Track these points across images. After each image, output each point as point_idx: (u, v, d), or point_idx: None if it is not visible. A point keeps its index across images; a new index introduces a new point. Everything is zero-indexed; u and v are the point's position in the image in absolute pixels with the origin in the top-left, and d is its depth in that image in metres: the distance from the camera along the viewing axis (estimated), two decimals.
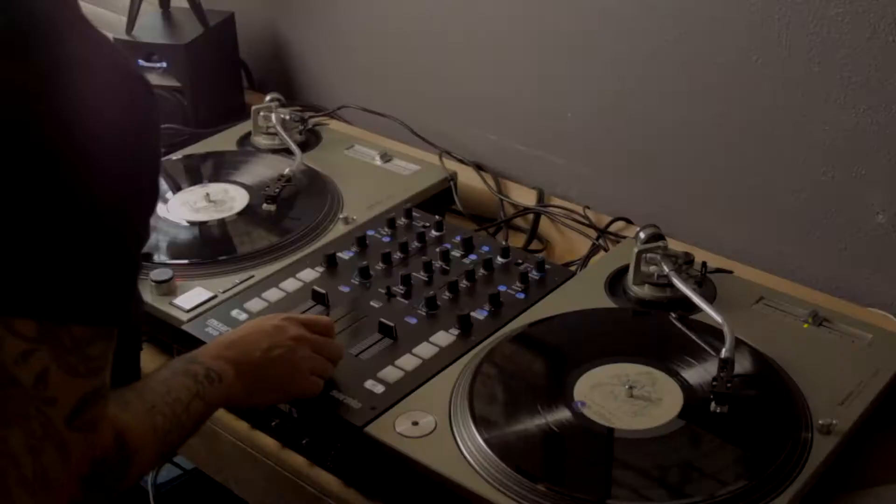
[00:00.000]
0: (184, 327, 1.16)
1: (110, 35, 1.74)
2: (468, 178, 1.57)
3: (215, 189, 1.43)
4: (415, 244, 1.29)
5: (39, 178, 0.72)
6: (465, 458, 0.96)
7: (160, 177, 0.84)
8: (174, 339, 1.18)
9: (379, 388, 1.05)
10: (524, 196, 1.55)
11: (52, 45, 0.74)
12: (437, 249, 1.27)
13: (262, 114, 1.57)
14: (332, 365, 1.05)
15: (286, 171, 1.43)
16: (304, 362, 1.01)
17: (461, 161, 1.62)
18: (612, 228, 1.45)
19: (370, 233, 1.32)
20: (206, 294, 1.21)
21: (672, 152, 1.43)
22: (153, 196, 0.82)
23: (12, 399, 0.72)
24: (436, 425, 1.00)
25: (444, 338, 1.12)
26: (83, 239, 0.74)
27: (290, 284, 1.22)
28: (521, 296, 1.20)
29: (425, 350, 1.10)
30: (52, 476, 0.74)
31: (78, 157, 0.74)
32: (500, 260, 1.25)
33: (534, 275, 1.23)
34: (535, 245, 1.47)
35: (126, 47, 1.71)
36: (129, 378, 0.86)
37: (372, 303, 1.19)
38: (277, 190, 1.39)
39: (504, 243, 1.31)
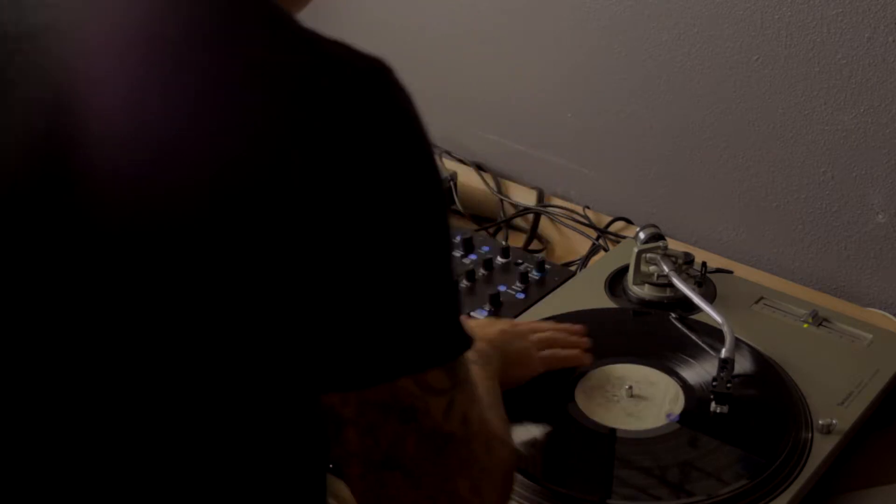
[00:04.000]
0: None
1: None
2: (468, 178, 1.57)
3: None
4: None
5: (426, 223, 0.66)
6: None
7: None
8: None
9: None
10: (524, 196, 1.55)
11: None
12: None
13: None
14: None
15: None
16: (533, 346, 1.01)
17: (461, 161, 1.62)
18: (612, 228, 1.45)
19: None
20: None
21: (672, 152, 1.43)
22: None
23: (453, 454, 0.69)
24: None
25: None
26: (447, 270, 0.68)
27: None
28: (521, 296, 1.20)
29: None
30: None
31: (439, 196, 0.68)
32: (500, 260, 1.25)
33: (534, 275, 1.23)
34: (535, 245, 1.47)
35: None
36: None
37: None
38: None
39: (504, 243, 1.31)
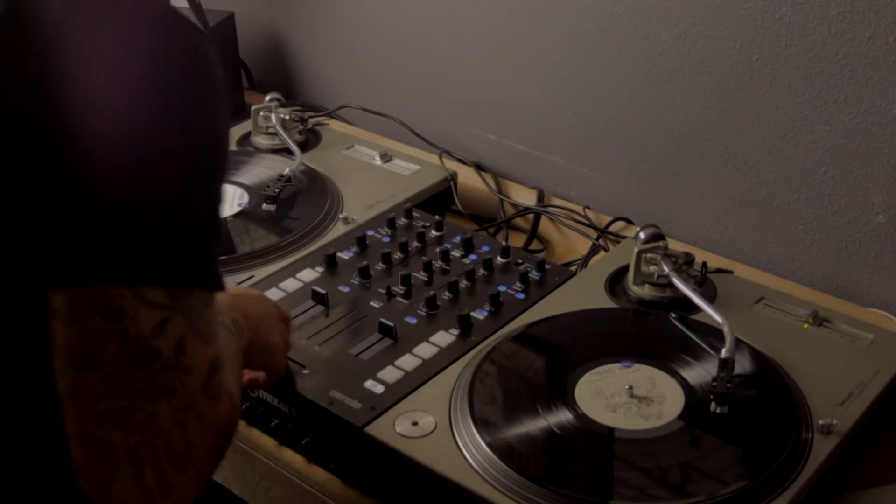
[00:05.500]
0: None
1: None
2: (468, 178, 1.57)
3: None
4: (415, 244, 1.29)
5: (144, 146, 0.67)
6: (464, 458, 0.95)
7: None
8: None
9: (379, 389, 1.05)
10: (524, 196, 1.55)
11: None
12: (437, 249, 1.27)
13: (261, 114, 1.57)
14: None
15: (286, 171, 1.43)
16: (284, 334, 1.01)
17: (461, 161, 1.62)
18: (613, 228, 1.45)
19: (370, 233, 1.32)
20: None
21: (672, 152, 1.43)
22: (228, 158, 0.77)
23: (156, 373, 0.68)
24: (436, 425, 1.00)
25: (444, 338, 1.12)
26: (192, 202, 0.70)
27: (290, 284, 1.22)
28: (522, 296, 1.20)
29: (425, 350, 1.10)
30: (196, 449, 0.69)
31: (185, 121, 0.69)
32: (500, 260, 1.25)
33: (534, 275, 1.23)
34: (535, 245, 1.47)
35: None
36: None
37: (372, 303, 1.18)
38: (277, 190, 1.39)
39: (504, 243, 1.31)
